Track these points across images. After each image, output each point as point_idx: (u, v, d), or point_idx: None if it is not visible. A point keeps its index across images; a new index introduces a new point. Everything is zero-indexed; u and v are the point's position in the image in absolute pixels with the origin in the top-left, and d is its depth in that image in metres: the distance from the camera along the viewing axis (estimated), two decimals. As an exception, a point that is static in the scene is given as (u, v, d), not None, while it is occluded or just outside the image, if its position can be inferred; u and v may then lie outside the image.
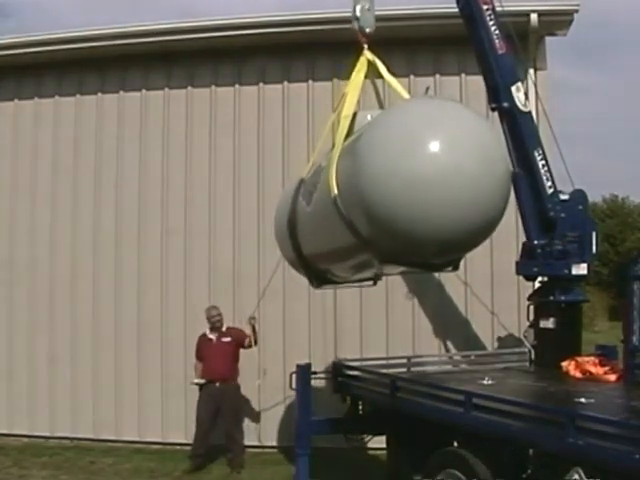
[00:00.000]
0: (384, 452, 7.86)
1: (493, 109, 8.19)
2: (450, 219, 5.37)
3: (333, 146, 6.61)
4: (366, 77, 7.19)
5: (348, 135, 6.55)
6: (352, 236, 5.81)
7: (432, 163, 5.31)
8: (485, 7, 7.96)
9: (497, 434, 5.58)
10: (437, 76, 10.31)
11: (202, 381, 9.21)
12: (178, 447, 9.87)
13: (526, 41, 9.75)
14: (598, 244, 7.96)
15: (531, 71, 9.84)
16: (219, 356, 9.12)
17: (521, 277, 8.51)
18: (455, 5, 8.20)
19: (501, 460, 5.57)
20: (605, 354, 7.36)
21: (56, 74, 11.06)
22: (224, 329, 9.35)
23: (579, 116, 74.86)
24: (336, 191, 5.86)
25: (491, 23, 7.95)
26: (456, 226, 5.42)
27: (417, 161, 5.32)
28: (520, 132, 7.98)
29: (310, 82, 10.53)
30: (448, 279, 9.80)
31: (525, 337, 8.26)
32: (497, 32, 7.96)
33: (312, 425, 7.87)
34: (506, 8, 8.67)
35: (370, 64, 7.15)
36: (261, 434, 10.18)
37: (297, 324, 10.16)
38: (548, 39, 10.16)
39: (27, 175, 11.02)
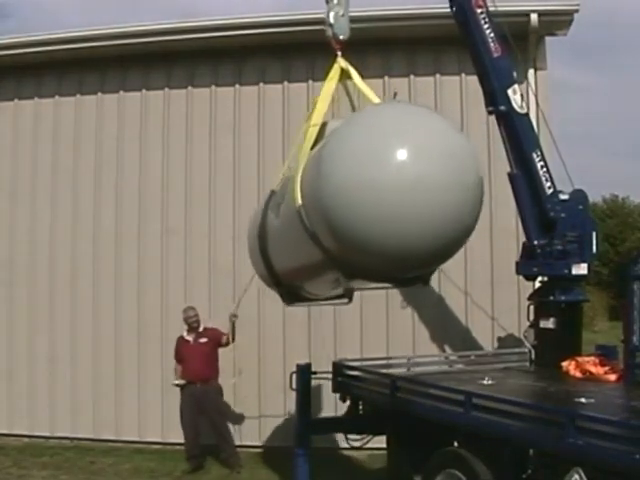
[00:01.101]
0: (384, 452, 7.85)
1: (490, 112, 8.18)
2: (415, 232, 5.03)
3: (300, 155, 6.31)
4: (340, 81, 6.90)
5: (316, 144, 6.22)
6: (316, 248, 5.51)
7: (396, 173, 4.95)
8: (479, 10, 7.91)
9: (497, 434, 5.58)
10: (437, 76, 10.32)
11: (182, 382, 9.23)
12: (178, 447, 9.83)
13: (526, 41, 9.76)
14: (598, 244, 7.96)
15: (531, 72, 9.87)
16: (197, 357, 9.13)
17: (521, 277, 8.51)
18: (452, 7, 8.18)
19: (501, 460, 5.57)
20: (605, 354, 7.36)
21: (56, 74, 11.06)
22: (201, 329, 9.35)
23: (579, 116, 74.92)
24: (300, 201, 5.58)
25: (486, 26, 7.91)
26: (421, 239, 5.07)
27: (380, 171, 4.96)
28: (518, 134, 7.97)
29: (310, 82, 10.51)
30: (448, 281, 9.83)
31: (525, 337, 8.27)
32: (492, 35, 7.92)
33: (312, 425, 7.87)
34: (506, 8, 8.67)
35: (344, 72, 6.89)
36: (261, 434, 10.20)
37: (297, 324, 10.16)
38: (548, 39, 10.16)
39: (27, 175, 11.02)
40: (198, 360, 9.10)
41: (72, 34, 10.58)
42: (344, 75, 6.87)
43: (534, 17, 9.58)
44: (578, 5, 9.63)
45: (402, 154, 4.97)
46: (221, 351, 9.36)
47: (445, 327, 9.94)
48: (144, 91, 10.90)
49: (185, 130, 10.75)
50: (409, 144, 5.03)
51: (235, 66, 10.74)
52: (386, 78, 10.34)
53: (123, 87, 10.95)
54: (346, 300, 6.61)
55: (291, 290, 6.86)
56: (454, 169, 5.08)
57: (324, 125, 6.34)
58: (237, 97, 10.72)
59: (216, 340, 9.23)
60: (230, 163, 10.57)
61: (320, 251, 5.47)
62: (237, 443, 9.86)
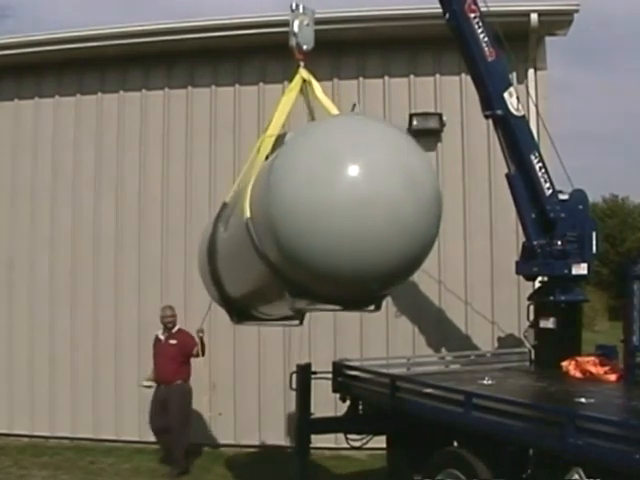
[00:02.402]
0: (384, 452, 7.85)
1: (487, 117, 8.17)
2: (364, 252, 4.70)
3: (254, 167, 6.14)
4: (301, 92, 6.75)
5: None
6: (262, 263, 5.24)
7: (345, 189, 4.69)
8: (472, 15, 7.86)
9: (497, 434, 5.57)
10: (437, 76, 10.31)
11: (149, 384, 9.20)
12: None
13: (526, 41, 9.76)
14: (598, 244, 7.96)
15: (530, 72, 9.88)
16: (164, 358, 9.07)
17: (521, 277, 8.51)
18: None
19: (501, 460, 5.56)
20: (605, 354, 7.37)
21: (56, 74, 11.05)
22: (174, 330, 9.25)
23: (579, 116, 74.88)
24: (248, 213, 5.33)
25: (479, 31, 7.87)
26: (370, 261, 4.73)
27: (328, 186, 4.68)
28: (515, 137, 7.97)
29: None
30: (448, 282, 9.83)
31: (525, 337, 8.28)
32: (486, 39, 7.88)
33: (311, 425, 7.87)
34: (506, 8, 8.65)
35: (305, 83, 6.74)
36: (260, 434, 10.19)
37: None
38: (548, 39, 10.16)
39: (27, 175, 11.02)
40: (165, 361, 9.05)
41: (72, 34, 10.57)
42: (305, 86, 6.73)
43: (534, 17, 9.57)
44: (578, 5, 9.62)
45: (354, 168, 4.74)
46: (220, 352, 9.33)
47: (445, 328, 9.92)
48: (144, 91, 10.89)
49: (185, 130, 10.75)
50: (361, 158, 4.79)
51: (235, 66, 10.73)
52: (386, 78, 10.35)
53: (123, 87, 10.95)
54: (297, 322, 6.53)
55: (241, 308, 6.62)
56: (408, 185, 4.82)
57: (283, 136, 5.92)
58: (237, 97, 10.71)
59: (185, 346, 9.04)
60: (230, 163, 10.55)
61: (266, 266, 5.21)
62: (236, 442, 9.85)
